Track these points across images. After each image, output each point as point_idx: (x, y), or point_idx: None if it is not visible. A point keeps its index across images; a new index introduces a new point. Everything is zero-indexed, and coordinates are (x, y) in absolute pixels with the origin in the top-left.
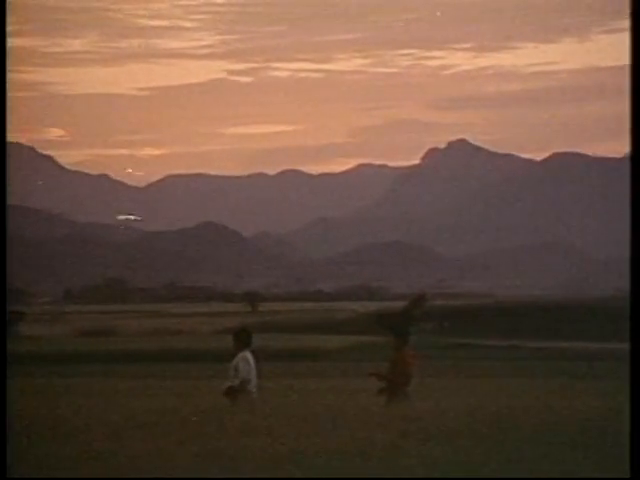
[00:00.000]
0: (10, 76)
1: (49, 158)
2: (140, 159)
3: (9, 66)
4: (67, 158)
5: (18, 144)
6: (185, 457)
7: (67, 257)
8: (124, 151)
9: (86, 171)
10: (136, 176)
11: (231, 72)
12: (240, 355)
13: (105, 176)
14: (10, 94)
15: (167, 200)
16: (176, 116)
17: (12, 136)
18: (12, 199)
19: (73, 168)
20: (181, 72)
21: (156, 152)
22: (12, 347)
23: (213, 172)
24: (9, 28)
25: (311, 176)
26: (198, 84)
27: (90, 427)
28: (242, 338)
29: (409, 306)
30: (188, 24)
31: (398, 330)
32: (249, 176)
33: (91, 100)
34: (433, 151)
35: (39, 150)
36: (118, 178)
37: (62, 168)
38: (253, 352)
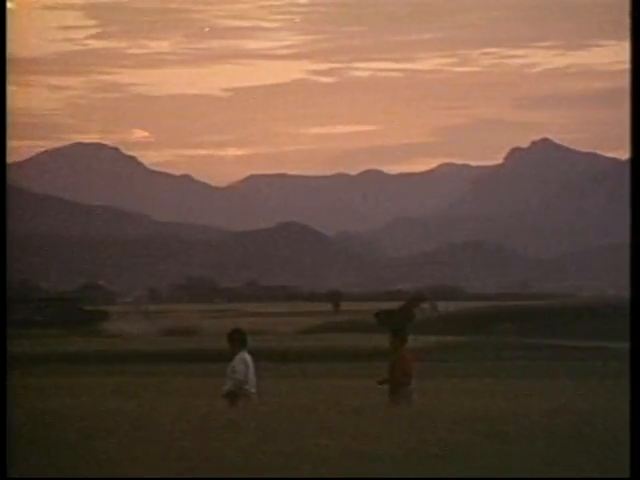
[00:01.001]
0: (95, 78)
1: (133, 159)
2: (223, 159)
3: (93, 67)
4: (150, 159)
5: (102, 145)
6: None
7: (151, 257)
8: (207, 151)
9: (169, 171)
10: (218, 176)
11: (313, 72)
12: (238, 356)
13: (188, 176)
14: (95, 95)
15: (249, 200)
16: (258, 116)
17: (97, 137)
18: (97, 200)
19: (156, 169)
20: (263, 73)
21: (238, 152)
22: (96, 346)
23: (295, 172)
24: (94, 31)
25: (392, 176)
26: (280, 84)
27: (174, 425)
28: (236, 339)
29: (407, 305)
30: (271, 25)
31: (396, 329)
32: (330, 176)
33: (175, 101)
34: (516, 150)
35: (123, 151)
36: (200, 178)
37: (145, 169)
38: (250, 352)
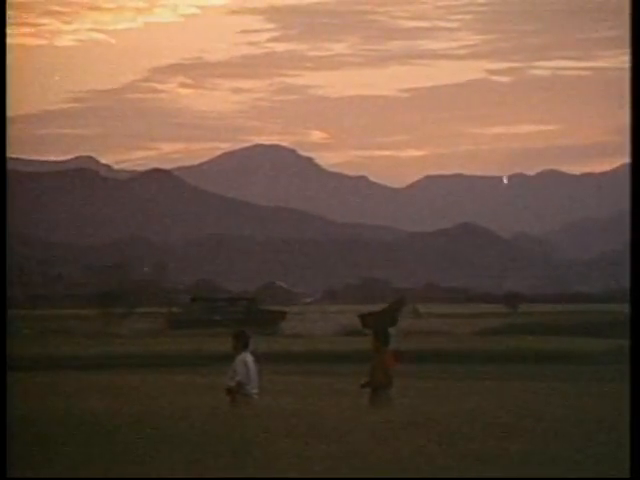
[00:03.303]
0: (276, 80)
1: (309, 160)
2: (400, 160)
3: (274, 70)
4: (328, 160)
5: (281, 147)
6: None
7: (328, 257)
8: (384, 152)
9: (346, 172)
10: (395, 177)
11: (491, 72)
12: (239, 357)
13: (364, 177)
14: (276, 97)
15: (426, 201)
16: (436, 117)
17: (276, 139)
18: (276, 201)
19: (333, 170)
20: (441, 73)
21: (416, 153)
22: (275, 346)
23: (472, 172)
24: (275, 34)
25: (572, 176)
26: (458, 85)
27: (353, 427)
28: (241, 340)
29: (389, 308)
30: (449, 25)
31: (379, 331)
32: (508, 176)
33: (353, 102)
34: None
35: (300, 152)
36: (377, 179)
37: (322, 170)
38: (253, 354)
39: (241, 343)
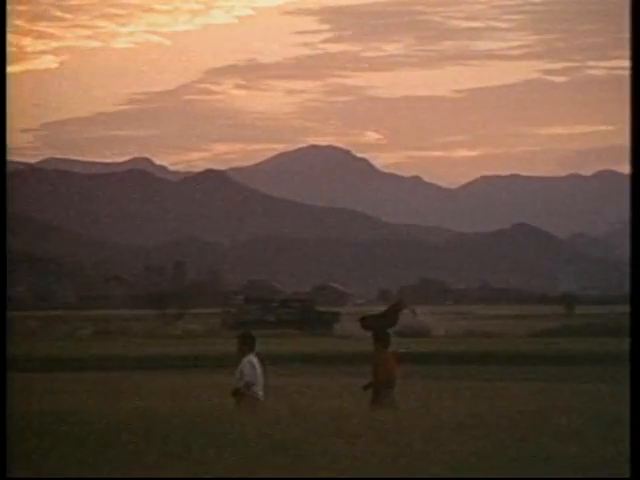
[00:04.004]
0: (330, 81)
1: (364, 161)
2: (453, 161)
3: (328, 71)
4: (382, 160)
5: (335, 147)
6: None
7: (382, 258)
8: (438, 153)
9: (399, 173)
10: (450, 178)
11: (546, 72)
12: (245, 359)
13: (418, 178)
14: (329, 99)
15: (480, 202)
16: (490, 117)
17: (330, 140)
18: (329, 202)
19: (387, 170)
20: (496, 73)
21: (470, 154)
22: (328, 347)
23: (527, 173)
24: (329, 35)
25: (627, 176)
26: (512, 85)
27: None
28: (246, 342)
29: (389, 310)
30: (504, 25)
31: (379, 333)
32: (564, 177)
33: (407, 103)
34: None
35: (355, 153)
36: (431, 180)
37: (376, 170)
38: (258, 355)
39: (246, 345)
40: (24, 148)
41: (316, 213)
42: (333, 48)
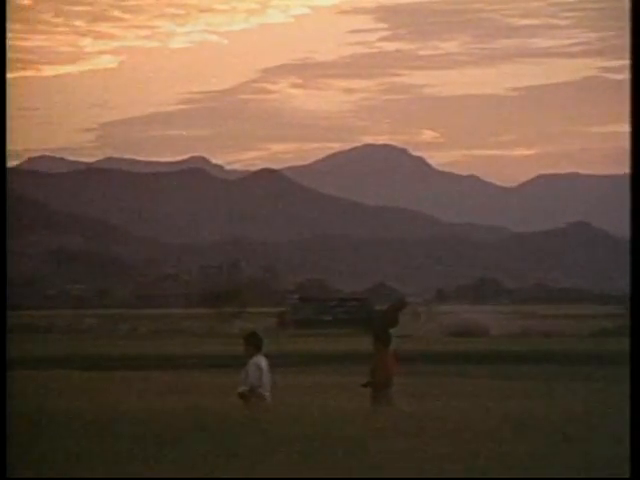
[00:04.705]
0: (386, 80)
1: (420, 159)
2: (510, 159)
3: (384, 69)
4: (438, 159)
5: (391, 146)
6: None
7: (438, 257)
8: (494, 151)
9: (456, 172)
10: (506, 176)
11: (605, 69)
12: (252, 360)
13: (474, 177)
14: (385, 97)
15: (537, 200)
16: (548, 115)
17: (386, 138)
18: (385, 200)
19: (443, 169)
20: (553, 71)
21: (527, 152)
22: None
23: (585, 171)
24: (385, 33)
25: None
26: (570, 82)
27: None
28: (253, 342)
29: (390, 310)
30: (562, 22)
31: (379, 333)
32: (621, 175)
33: (463, 101)
34: None
35: (411, 152)
36: (488, 179)
37: (432, 169)
38: (266, 356)
39: (253, 346)
40: (83, 148)
41: (372, 212)
42: (389, 46)
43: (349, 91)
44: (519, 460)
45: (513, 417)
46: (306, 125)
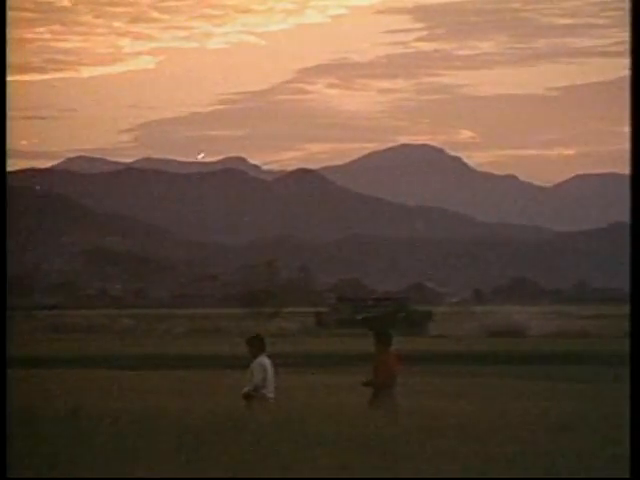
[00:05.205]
0: (423, 80)
1: (457, 159)
2: (549, 159)
3: (421, 69)
4: (476, 159)
5: (428, 146)
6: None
7: (476, 257)
8: (532, 151)
9: (494, 172)
10: (545, 176)
11: None
12: (256, 361)
13: (513, 177)
14: (422, 97)
15: (576, 200)
16: (586, 115)
17: (423, 138)
18: (422, 200)
19: (481, 169)
20: (590, 70)
21: (565, 152)
22: (421, 346)
23: (624, 171)
24: (422, 33)
25: None
26: (607, 82)
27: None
28: (256, 344)
29: (391, 310)
30: (601, 21)
31: (380, 332)
32: None
33: (501, 101)
34: None
35: (448, 152)
36: (526, 179)
37: (470, 169)
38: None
39: (255, 348)
40: (121, 148)
41: (409, 212)
42: (426, 46)
43: (386, 91)
44: (556, 463)
45: (551, 419)
46: (342, 125)
